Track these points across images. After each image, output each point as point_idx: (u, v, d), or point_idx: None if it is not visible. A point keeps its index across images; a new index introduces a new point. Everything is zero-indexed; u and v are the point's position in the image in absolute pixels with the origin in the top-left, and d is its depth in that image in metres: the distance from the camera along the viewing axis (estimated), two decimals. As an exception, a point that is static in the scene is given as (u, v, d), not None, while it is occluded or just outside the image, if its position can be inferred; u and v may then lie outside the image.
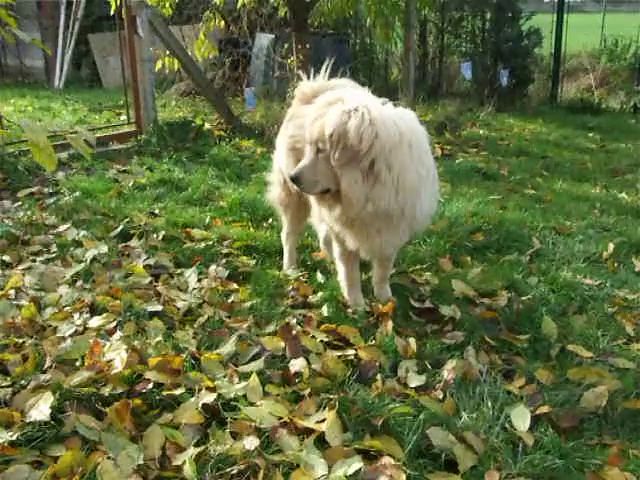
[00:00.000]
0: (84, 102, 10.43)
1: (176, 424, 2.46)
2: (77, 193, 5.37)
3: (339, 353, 2.99)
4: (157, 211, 5.02)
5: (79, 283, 3.72)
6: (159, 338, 3.05)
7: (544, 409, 2.62)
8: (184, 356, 2.85)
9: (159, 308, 3.38)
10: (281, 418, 2.48)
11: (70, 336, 3.07)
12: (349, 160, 2.90)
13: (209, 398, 2.57)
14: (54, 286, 3.68)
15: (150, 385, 2.65)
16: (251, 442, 2.34)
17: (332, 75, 3.63)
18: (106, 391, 2.60)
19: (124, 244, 4.32)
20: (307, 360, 2.90)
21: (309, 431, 2.44)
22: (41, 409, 2.44)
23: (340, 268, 3.57)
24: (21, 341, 3.01)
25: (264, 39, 10.09)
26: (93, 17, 12.50)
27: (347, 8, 9.61)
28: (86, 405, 2.53)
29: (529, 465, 2.32)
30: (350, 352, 3.00)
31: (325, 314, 3.42)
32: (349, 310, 3.47)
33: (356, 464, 2.24)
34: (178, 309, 3.43)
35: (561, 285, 3.82)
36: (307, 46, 7.95)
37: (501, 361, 3.05)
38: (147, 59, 7.29)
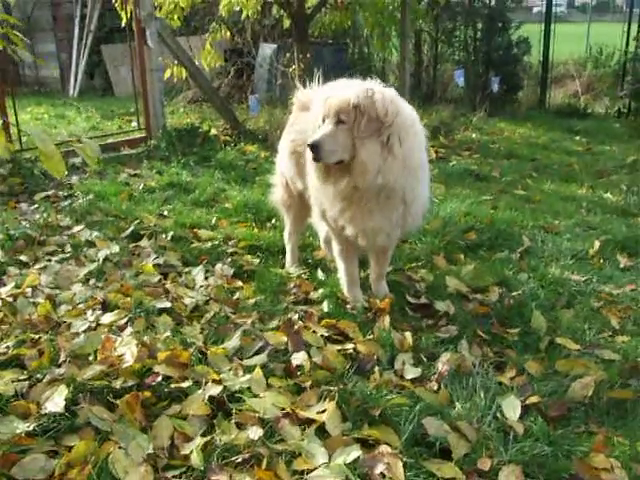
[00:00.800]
0: (97, 110, 10.41)
1: (184, 415, 2.46)
2: (90, 196, 5.37)
3: (339, 347, 2.98)
4: (166, 213, 5.01)
5: (92, 281, 3.72)
6: (168, 333, 3.04)
7: (534, 399, 2.61)
8: (191, 350, 2.84)
9: (168, 305, 3.37)
10: (283, 409, 2.47)
11: (83, 332, 3.07)
12: (372, 132, 2.92)
13: (215, 390, 2.56)
14: (68, 284, 3.68)
15: (159, 378, 2.64)
16: (255, 432, 2.34)
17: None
18: (117, 384, 2.59)
19: (134, 244, 4.32)
20: (308, 354, 2.89)
21: (310, 421, 2.43)
22: (56, 401, 2.44)
23: (340, 266, 3.56)
24: (37, 337, 3.01)
25: (267, 49, 10.07)
26: (105, 29, 12.48)
27: (346, 19, 9.60)
28: (98, 397, 2.53)
29: (519, 452, 2.31)
30: (349, 346, 2.99)
31: (325, 310, 3.40)
32: (348, 306, 3.46)
33: (355, 452, 2.23)
34: (186, 306, 3.42)
35: (550, 281, 3.80)
36: (308, 55, 7.93)
37: (493, 354, 3.04)
38: (156, 68, 7.27)
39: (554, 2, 10.90)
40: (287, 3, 7.91)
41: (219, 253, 4.18)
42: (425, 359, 2.94)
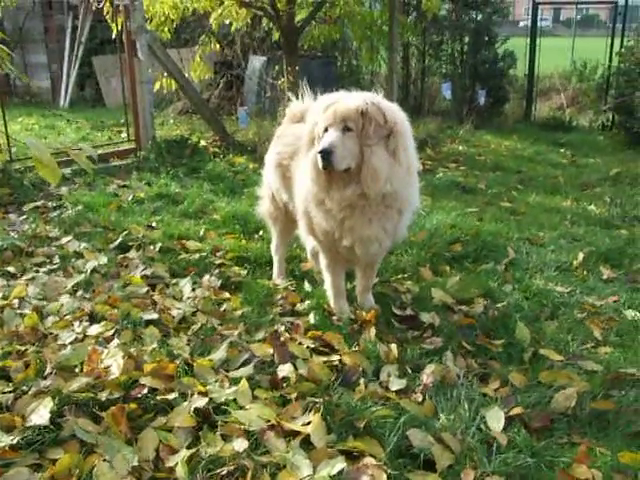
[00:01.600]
0: (87, 120, 10.38)
1: (169, 427, 2.45)
2: (79, 207, 5.34)
3: (324, 359, 2.98)
4: (154, 224, 4.99)
5: (79, 293, 3.70)
6: (154, 345, 3.03)
7: (517, 410, 2.62)
8: (178, 362, 2.84)
9: (155, 316, 3.36)
10: (269, 421, 2.47)
11: (70, 343, 3.05)
12: (380, 138, 2.96)
13: (201, 402, 2.55)
14: (56, 296, 3.66)
15: (145, 390, 2.63)
16: (240, 444, 2.33)
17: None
18: (103, 396, 2.58)
19: (123, 255, 4.30)
20: (294, 365, 2.88)
21: (295, 433, 2.43)
22: (41, 414, 2.42)
23: (326, 278, 3.56)
24: (23, 349, 2.99)
25: (257, 61, 10.10)
26: (96, 41, 12.46)
27: (335, 32, 9.67)
28: (84, 409, 2.51)
29: (502, 464, 2.31)
30: (335, 358, 2.99)
31: (312, 321, 3.40)
32: (334, 318, 3.45)
33: (339, 464, 2.23)
34: (173, 317, 3.41)
35: (534, 292, 3.83)
36: (297, 68, 7.96)
37: (477, 365, 3.04)
38: (146, 80, 7.27)
39: (540, 17, 11.04)
40: (277, 16, 7.94)
41: (207, 264, 4.17)
42: (410, 371, 2.94)
